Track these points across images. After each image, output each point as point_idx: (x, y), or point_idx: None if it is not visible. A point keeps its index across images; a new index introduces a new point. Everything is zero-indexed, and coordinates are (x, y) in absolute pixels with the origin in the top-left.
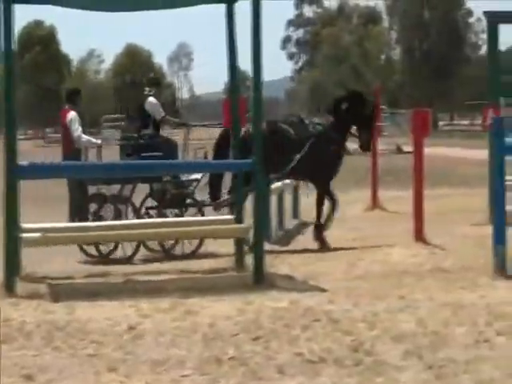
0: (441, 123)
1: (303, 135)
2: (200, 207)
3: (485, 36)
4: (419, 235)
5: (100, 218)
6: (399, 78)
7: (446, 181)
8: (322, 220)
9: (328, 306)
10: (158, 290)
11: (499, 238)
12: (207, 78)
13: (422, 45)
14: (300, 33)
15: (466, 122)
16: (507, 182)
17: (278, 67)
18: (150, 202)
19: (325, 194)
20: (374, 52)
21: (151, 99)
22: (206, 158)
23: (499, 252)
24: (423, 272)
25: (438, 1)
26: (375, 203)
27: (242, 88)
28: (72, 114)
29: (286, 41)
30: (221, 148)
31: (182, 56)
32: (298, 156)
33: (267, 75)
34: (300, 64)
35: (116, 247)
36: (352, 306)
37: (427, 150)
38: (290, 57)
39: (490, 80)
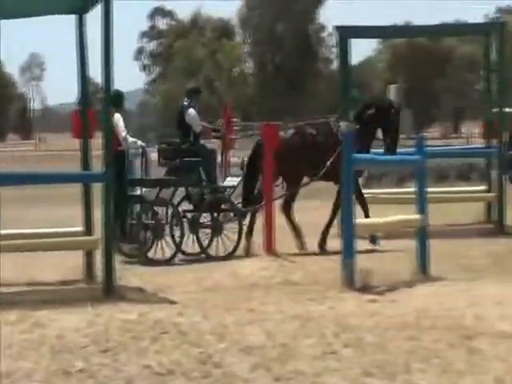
0: None
1: (331, 140)
2: (235, 212)
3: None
4: (269, 248)
5: (139, 221)
6: (252, 91)
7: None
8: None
9: (177, 318)
10: (6, 302)
11: (348, 252)
12: (60, 88)
13: (275, 58)
14: (153, 45)
15: None
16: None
17: (131, 79)
18: (186, 206)
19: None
20: (227, 65)
21: (191, 111)
22: (242, 168)
23: (347, 265)
24: (273, 285)
25: (290, 15)
26: None
27: (94, 99)
28: (117, 116)
29: (139, 52)
30: (255, 160)
31: (33, 66)
32: (328, 162)
33: (121, 87)
34: (153, 76)
35: (151, 247)
36: (201, 318)
37: None
38: (143, 69)
39: (340, 94)
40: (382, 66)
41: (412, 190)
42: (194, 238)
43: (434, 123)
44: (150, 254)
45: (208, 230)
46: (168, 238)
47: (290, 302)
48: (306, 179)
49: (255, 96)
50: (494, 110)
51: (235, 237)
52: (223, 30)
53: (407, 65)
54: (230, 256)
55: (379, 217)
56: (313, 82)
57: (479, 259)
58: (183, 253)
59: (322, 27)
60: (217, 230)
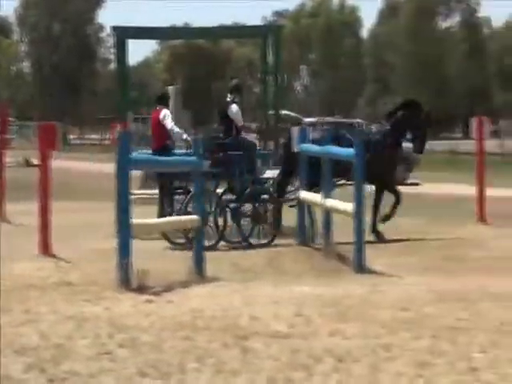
0: (71, 137)
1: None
2: (275, 202)
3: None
4: (45, 249)
5: (186, 210)
6: (29, 90)
7: (75, 195)
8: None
9: None
10: None
11: (123, 252)
12: None
13: (52, 58)
14: None
15: (96, 136)
16: (133, 196)
17: None
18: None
19: (392, 191)
20: (5, 64)
21: (234, 106)
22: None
23: (123, 265)
24: (48, 285)
25: (68, 14)
26: (1, 216)
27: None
28: (166, 111)
29: None
30: (292, 155)
31: None
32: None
33: None
34: None
35: None
36: None
37: (56, 164)
38: None
39: (119, 95)
40: (161, 67)
41: None
42: (236, 226)
43: (213, 125)
44: None
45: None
46: (212, 226)
47: (66, 303)
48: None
49: (33, 96)
50: (271, 112)
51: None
52: (1, 27)
53: (186, 66)
54: (269, 244)
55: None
56: (92, 82)
57: (255, 259)
58: (226, 240)
59: (101, 27)
60: (257, 219)
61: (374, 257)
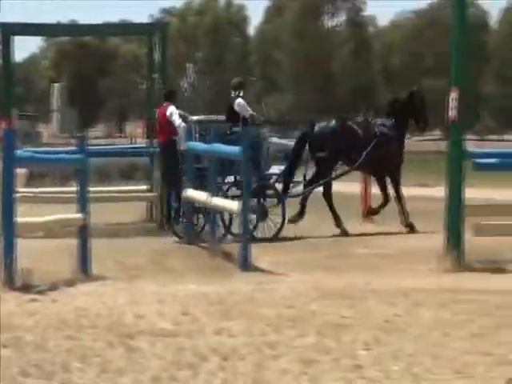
0: None
1: (369, 134)
2: (279, 197)
3: None
4: None
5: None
6: None
7: None
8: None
9: None
10: None
11: (7, 251)
12: None
13: None
14: None
15: None
16: (18, 194)
17: None
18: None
19: (395, 186)
20: None
21: (239, 100)
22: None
23: (7, 264)
24: None
25: None
26: None
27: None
28: (172, 108)
29: None
30: (299, 152)
31: None
32: (364, 152)
33: None
34: None
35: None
36: None
37: None
38: None
39: (3, 91)
40: (47, 64)
41: (75, 189)
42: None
43: (99, 122)
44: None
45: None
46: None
47: None
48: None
49: None
50: (156, 109)
51: (279, 220)
52: None
53: (72, 63)
54: (274, 238)
55: (40, 215)
56: None
57: (141, 258)
58: (232, 234)
59: None
60: (262, 214)
61: (260, 254)
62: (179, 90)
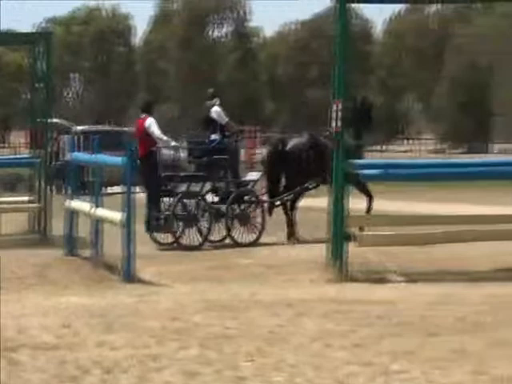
0: None
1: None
2: (257, 203)
3: None
4: None
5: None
6: None
7: None
8: None
9: None
10: None
11: None
12: None
13: None
14: None
15: None
16: None
17: None
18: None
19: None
20: None
21: (216, 108)
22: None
23: None
24: None
25: None
26: None
27: None
28: (151, 119)
29: None
30: (274, 158)
31: None
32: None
33: None
34: None
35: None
36: None
37: None
38: None
39: None
40: None
41: None
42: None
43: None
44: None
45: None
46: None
47: None
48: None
49: None
50: (39, 119)
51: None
52: None
53: None
54: (255, 243)
55: None
56: None
57: (23, 270)
58: (210, 241)
59: None
60: (242, 219)
61: (144, 266)
62: (63, 100)
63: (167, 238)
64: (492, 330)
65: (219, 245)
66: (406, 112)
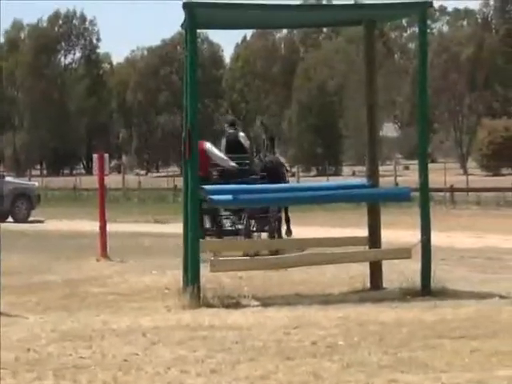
0: None
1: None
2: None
3: None
4: None
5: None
6: None
7: None
8: None
9: None
10: None
11: None
12: None
13: None
14: None
15: None
16: None
17: None
18: None
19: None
20: None
21: (242, 133)
22: None
23: None
24: None
25: None
26: None
27: None
28: (209, 144)
29: None
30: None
31: None
32: None
33: None
34: None
35: None
36: None
37: None
38: None
39: None
40: None
41: None
42: None
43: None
44: None
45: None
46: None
47: None
48: None
49: None
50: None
51: None
52: None
53: None
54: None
55: None
56: None
57: None
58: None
59: None
60: (247, 234)
61: None
62: None
63: None
64: (345, 352)
65: (74, 276)
66: (256, 136)
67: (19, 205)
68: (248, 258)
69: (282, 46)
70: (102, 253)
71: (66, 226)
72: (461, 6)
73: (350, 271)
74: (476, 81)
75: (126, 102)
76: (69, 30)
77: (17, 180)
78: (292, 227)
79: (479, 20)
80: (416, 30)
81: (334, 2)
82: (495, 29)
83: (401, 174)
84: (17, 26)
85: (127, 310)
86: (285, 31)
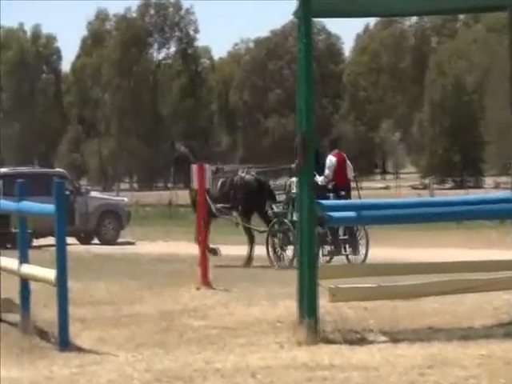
0: None
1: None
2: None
3: None
4: None
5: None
6: None
7: None
8: None
9: None
10: None
11: None
12: None
13: None
14: None
15: None
16: None
17: None
18: None
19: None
20: None
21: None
22: None
23: None
24: None
25: None
26: None
27: None
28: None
29: None
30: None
31: None
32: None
33: None
34: None
35: None
36: None
37: None
38: None
39: None
40: None
41: None
42: None
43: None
44: None
45: None
46: None
47: None
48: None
49: None
50: None
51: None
52: None
53: None
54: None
55: None
56: None
57: None
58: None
59: None
60: None
61: (81, 330)
62: None
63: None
64: None
65: (170, 307)
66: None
67: (106, 224)
68: (374, 285)
69: (411, 36)
70: (202, 280)
71: (159, 248)
72: None
73: (493, 301)
74: None
75: (229, 102)
76: (162, 20)
77: (103, 195)
78: (418, 248)
79: None
80: None
81: None
82: None
83: None
84: (101, 16)
85: (233, 346)
86: (414, 19)
